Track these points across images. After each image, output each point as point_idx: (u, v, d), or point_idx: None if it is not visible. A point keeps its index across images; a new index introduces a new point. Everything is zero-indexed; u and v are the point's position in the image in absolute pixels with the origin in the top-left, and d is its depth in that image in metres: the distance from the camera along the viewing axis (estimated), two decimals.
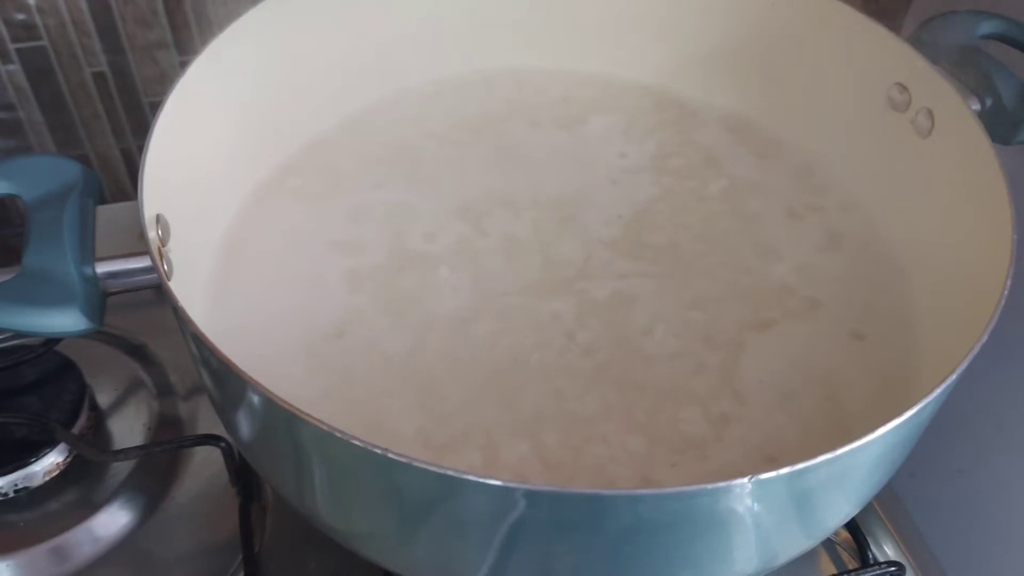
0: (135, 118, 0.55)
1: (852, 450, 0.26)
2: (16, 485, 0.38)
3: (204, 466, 0.41)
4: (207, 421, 0.42)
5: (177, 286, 0.32)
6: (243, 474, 0.39)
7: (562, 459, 0.33)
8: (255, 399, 0.27)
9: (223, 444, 0.38)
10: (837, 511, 0.31)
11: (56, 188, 0.32)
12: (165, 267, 0.31)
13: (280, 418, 0.26)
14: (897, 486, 0.59)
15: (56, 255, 0.30)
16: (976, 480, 0.56)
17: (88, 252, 0.30)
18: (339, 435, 0.25)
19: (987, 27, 0.39)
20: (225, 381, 0.29)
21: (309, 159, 0.43)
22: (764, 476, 0.25)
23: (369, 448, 0.25)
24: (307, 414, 0.25)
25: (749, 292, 0.38)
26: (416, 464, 0.24)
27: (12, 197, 0.32)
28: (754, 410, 0.34)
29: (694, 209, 0.42)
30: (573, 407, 0.34)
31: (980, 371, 0.33)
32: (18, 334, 0.32)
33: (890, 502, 0.46)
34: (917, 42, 0.39)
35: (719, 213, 0.41)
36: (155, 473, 0.40)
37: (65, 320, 0.29)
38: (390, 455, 0.25)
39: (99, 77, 0.53)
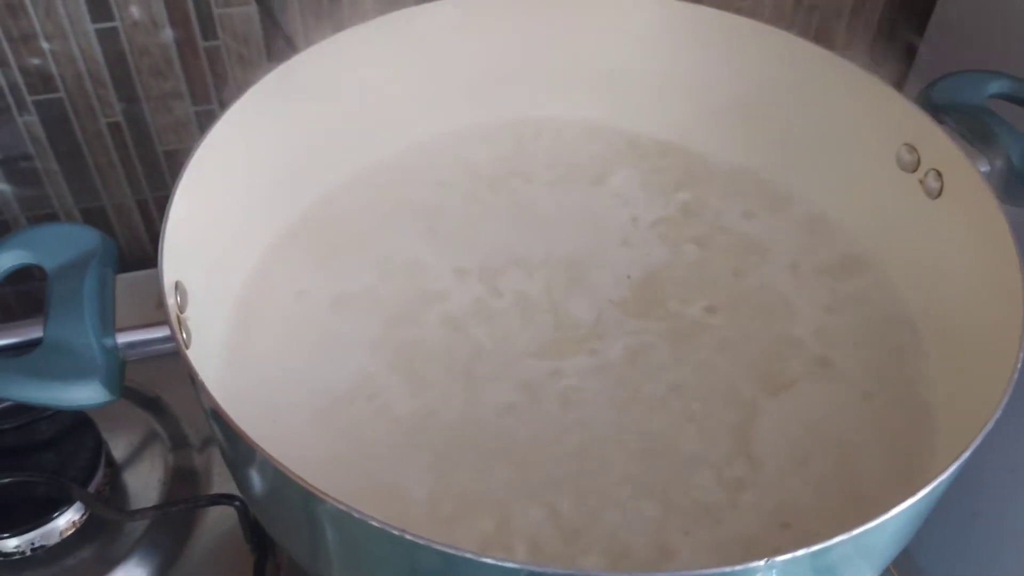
0: (150, 167, 0.56)
1: (869, 529, 0.26)
2: (33, 544, 0.38)
3: (219, 522, 0.41)
4: (222, 475, 0.43)
5: (194, 353, 0.32)
6: (258, 532, 0.39)
7: (577, 525, 0.33)
8: (271, 473, 0.27)
9: (237, 503, 0.38)
10: None
11: (76, 257, 0.32)
12: (184, 335, 0.32)
13: (296, 493, 0.27)
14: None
15: (77, 327, 0.30)
16: (992, 525, 0.56)
17: (108, 323, 0.31)
18: (356, 515, 0.25)
19: (996, 87, 0.39)
20: (241, 453, 0.29)
21: (321, 217, 0.43)
22: (781, 558, 0.25)
23: (386, 528, 0.25)
24: (324, 492, 0.25)
25: (760, 354, 0.38)
26: (434, 546, 0.24)
27: (33, 267, 0.32)
28: (768, 475, 0.34)
29: (704, 269, 0.42)
30: (587, 471, 0.34)
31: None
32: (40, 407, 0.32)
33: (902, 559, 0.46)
34: (926, 102, 0.39)
35: (729, 272, 0.41)
36: (171, 530, 0.40)
37: (86, 393, 0.29)
38: (407, 536, 0.25)
39: (114, 127, 0.54)
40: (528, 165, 0.46)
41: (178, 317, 0.31)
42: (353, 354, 0.38)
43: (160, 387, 0.46)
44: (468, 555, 0.24)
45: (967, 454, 0.27)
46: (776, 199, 0.45)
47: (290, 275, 0.40)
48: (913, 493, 0.27)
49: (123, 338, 0.31)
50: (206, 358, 0.35)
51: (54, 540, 0.39)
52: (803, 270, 0.42)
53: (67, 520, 0.39)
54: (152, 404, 0.45)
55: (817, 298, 0.40)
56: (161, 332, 0.31)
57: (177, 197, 0.34)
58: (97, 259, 0.33)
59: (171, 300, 0.31)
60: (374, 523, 0.25)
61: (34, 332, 0.47)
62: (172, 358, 0.30)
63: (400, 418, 0.35)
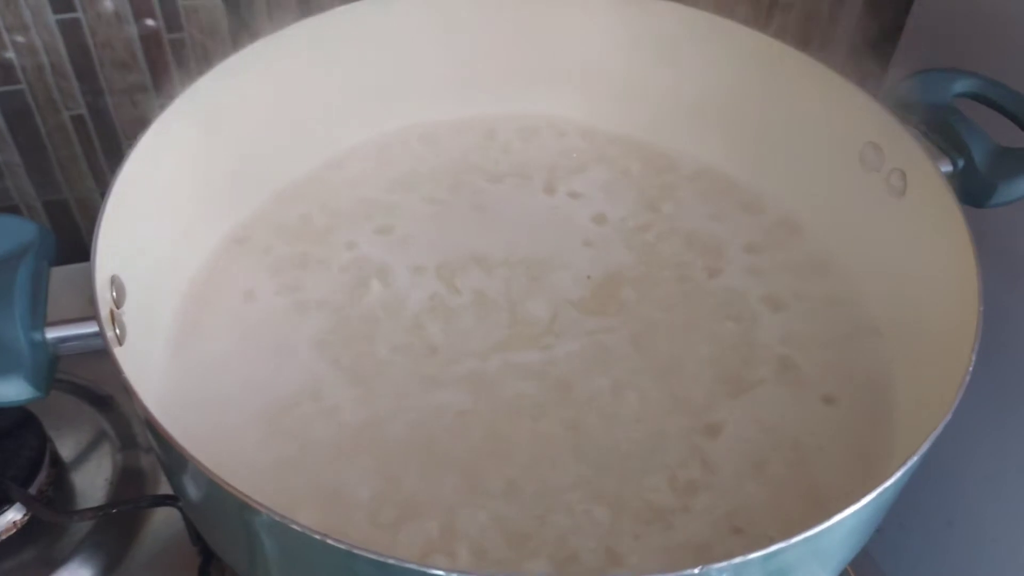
0: (114, 161, 0.54)
1: (819, 532, 0.25)
2: None
3: (165, 523, 0.40)
4: None
5: (134, 348, 0.31)
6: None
7: (524, 529, 0.32)
8: (204, 481, 0.26)
9: (181, 504, 0.37)
10: None
11: (11, 248, 0.32)
12: (117, 331, 0.31)
13: (230, 502, 0.26)
14: (888, 538, 0.58)
15: (5, 321, 0.29)
16: (967, 533, 0.55)
17: (39, 317, 0.30)
18: (294, 527, 0.24)
19: (963, 86, 0.38)
20: (174, 460, 0.28)
21: (274, 216, 0.42)
22: (717, 566, 0.24)
23: (319, 538, 0.24)
24: (258, 502, 0.24)
25: (721, 355, 0.38)
26: (369, 555, 0.23)
27: None
28: (723, 478, 0.34)
29: (666, 270, 0.41)
30: (536, 474, 0.33)
31: (965, 424, 0.32)
32: None
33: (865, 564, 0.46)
34: (892, 100, 0.38)
35: (692, 273, 0.41)
36: (116, 530, 0.39)
37: (10, 389, 0.28)
38: (340, 545, 0.24)
39: (78, 120, 0.53)
40: (490, 163, 0.45)
41: (112, 312, 0.30)
42: (301, 355, 0.37)
43: (112, 386, 0.45)
44: (407, 564, 0.23)
45: (915, 459, 0.27)
46: (743, 198, 0.44)
47: (239, 274, 0.39)
48: (866, 488, 0.26)
49: (54, 332, 0.30)
50: (147, 356, 0.34)
51: None
52: (768, 271, 0.41)
53: (8, 520, 0.38)
54: (103, 403, 0.44)
55: (781, 299, 0.40)
56: (93, 327, 0.30)
57: (116, 188, 0.33)
58: (33, 251, 0.32)
59: (104, 295, 0.30)
60: (307, 532, 0.24)
61: None
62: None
63: (346, 420, 0.35)
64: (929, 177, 0.35)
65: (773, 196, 0.44)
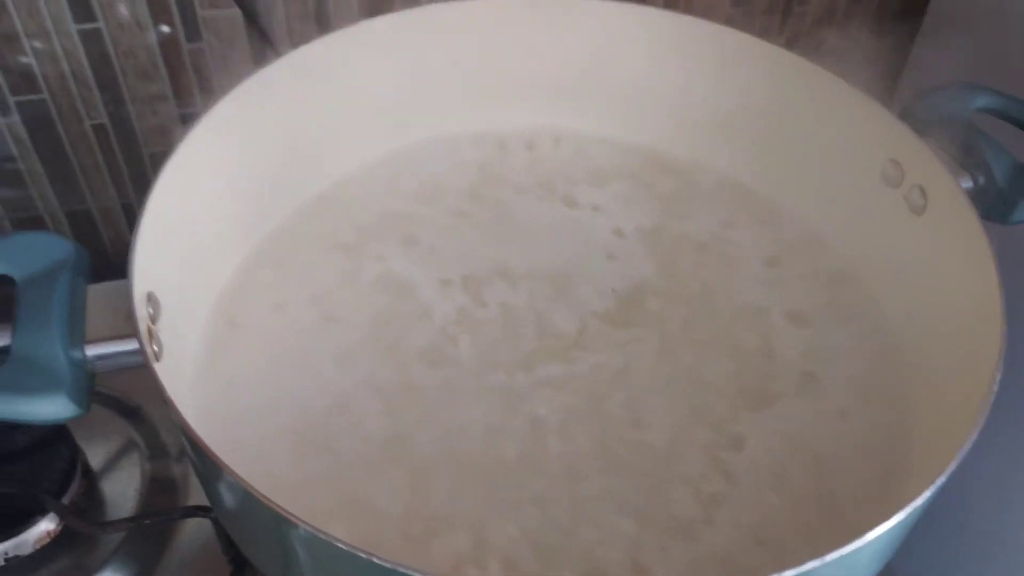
0: (135, 170, 0.55)
1: (847, 554, 0.26)
2: (7, 553, 0.38)
3: (196, 533, 0.40)
4: (200, 486, 0.42)
5: (167, 365, 0.32)
6: (235, 544, 0.39)
7: (552, 542, 0.32)
8: (241, 493, 0.27)
9: (213, 515, 0.38)
10: None
11: (47, 266, 0.32)
12: (155, 347, 0.31)
13: (266, 514, 0.26)
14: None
15: (44, 340, 0.30)
16: (978, 537, 0.56)
17: (78, 335, 0.30)
18: (326, 538, 0.25)
19: (982, 101, 0.39)
20: (211, 471, 0.29)
21: (301, 228, 0.42)
22: None
23: (355, 552, 0.25)
24: (295, 516, 0.25)
25: (743, 368, 0.38)
26: (403, 571, 0.24)
27: (3, 277, 0.32)
28: (745, 490, 0.34)
29: (688, 282, 0.41)
30: (564, 486, 0.34)
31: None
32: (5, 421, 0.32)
33: None
34: (910, 115, 0.39)
35: (713, 286, 0.41)
36: (148, 540, 0.40)
37: (52, 408, 0.29)
38: (376, 560, 0.24)
39: (99, 129, 0.53)
40: (511, 176, 0.46)
41: (149, 329, 0.31)
42: (330, 368, 0.37)
43: (141, 396, 0.46)
44: None
45: (943, 479, 0.27)
46: (761, 212, 0.45)
47: (268, 288, 0.40)
48: (890, 514, 0.27)
49: (93, 350, 0.30)
50: (179, 370, 0.35)
51: (28, 550, 0.38)
52: (788, 285, 0.41)
53: (42, 530, 0.38)
54: (132, 413, 0.45)
55: (802, 313, 0.40)
56: (132, 344, 0.30)
57: (150, 206, 0.33)
58: (69, 269, 0.32)
59: (142, 312, 0.31)
60: (342, 546, 0.25)
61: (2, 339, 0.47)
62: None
63: (375, 434, 0.35)
64: (950, 193, 0.35)
65: (792, 209, 0.44)
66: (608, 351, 0.38)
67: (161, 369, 0.30)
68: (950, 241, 0.35)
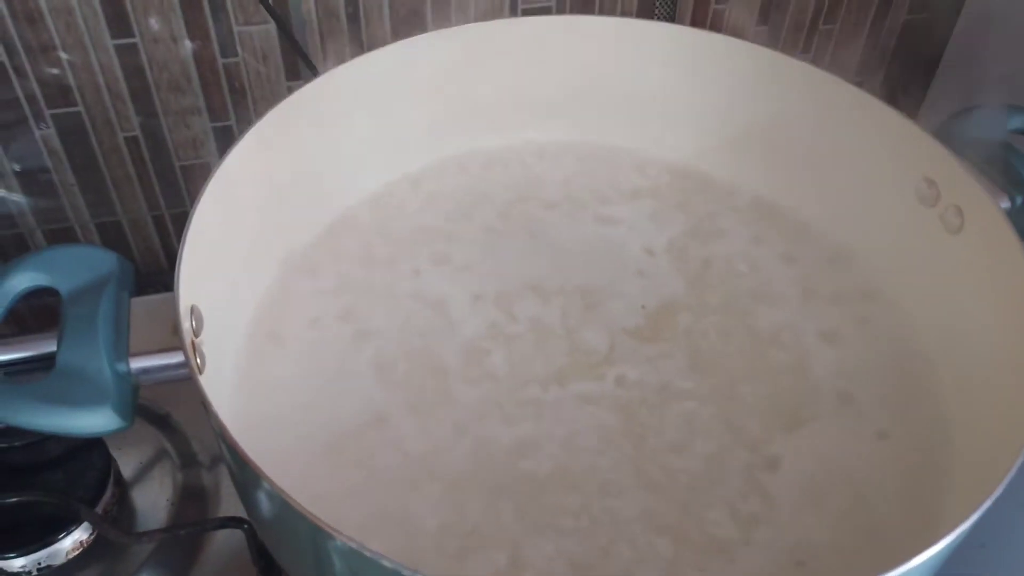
0: (167, 182, 0.56)
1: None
2: (39, 564, 0.38)
3: (227, 543, 0.41)
4: (231, 494, 0.42)
5: (208, 377, 0.32)
6: (265, 555, 0.39)
7: (589, 561, 0.32)
8: (280, 505, 0.27)
9: (246, 526, 0.38)
10: None
11: (92, 280, 0.32)
12: (198, 360, 0.31)
13: (304, 526, 0.26)
14: None
15: (90, 353, 0.30)
16: (999, 555, 0.55)
17: (122, 348, 0.31)
18: (368, 554, 0.25)
19: (1018, 122, 0.39)
20: (251, 483, 0.29)
21: (336, 243, 0.43)
22: None
23: (399, 569, 0.25)
24: (334, 528, 0.25)
25: (777, 388, 0.38)
26: None
27: (48, 290, 0.32)
28: (783, 511, 0.34)
29: (720, 300, 0.41)
30: (599, 505, 0.34)
31: None
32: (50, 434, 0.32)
33: None
34: (946, 135, 0.39)
35: (745, 304, 0.41)
36: (178, 550, 0.40)
37: (97, 420, 0.29)
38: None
39: (132, 141, 0.54)
40: (540, 192, 0.46)
41: (192, 342, 0.31)
42: (366, 382, 0.37)
43: (170, 405, 0.46)
44: None
45: (988, 503, 0.27)
46: (794, 229, 0.45)
47: (303, 302, 0.40)
48: (934, 538, 0.26)
49: (137, 363, 0.31)
50: (219, 383, 0.35)
51: (60, 560, 0.38)
52: (821, 302, 0.41)
53: (74, 540, 0.39)
54: (162, 421, 0.45)
55: (835, 332, 0.40)
56: (176, 358, 0.31)
57: (194, 220, 0.33)
58: (113, 282, 0.33)
59: (186, 325, 0.31)
60: (386, 563, 0.25)
61: (47, 346, 0.47)
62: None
63: (410, 449, 0.35)
64: (987, 213, 0.35)
65: (825, 227, 0.44)
66: (640, 367, 0.38)
67: (204, 382, 0.30)
68: (987, 260, 0.35)
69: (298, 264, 0.41)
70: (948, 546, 0.27)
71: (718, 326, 0.40)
